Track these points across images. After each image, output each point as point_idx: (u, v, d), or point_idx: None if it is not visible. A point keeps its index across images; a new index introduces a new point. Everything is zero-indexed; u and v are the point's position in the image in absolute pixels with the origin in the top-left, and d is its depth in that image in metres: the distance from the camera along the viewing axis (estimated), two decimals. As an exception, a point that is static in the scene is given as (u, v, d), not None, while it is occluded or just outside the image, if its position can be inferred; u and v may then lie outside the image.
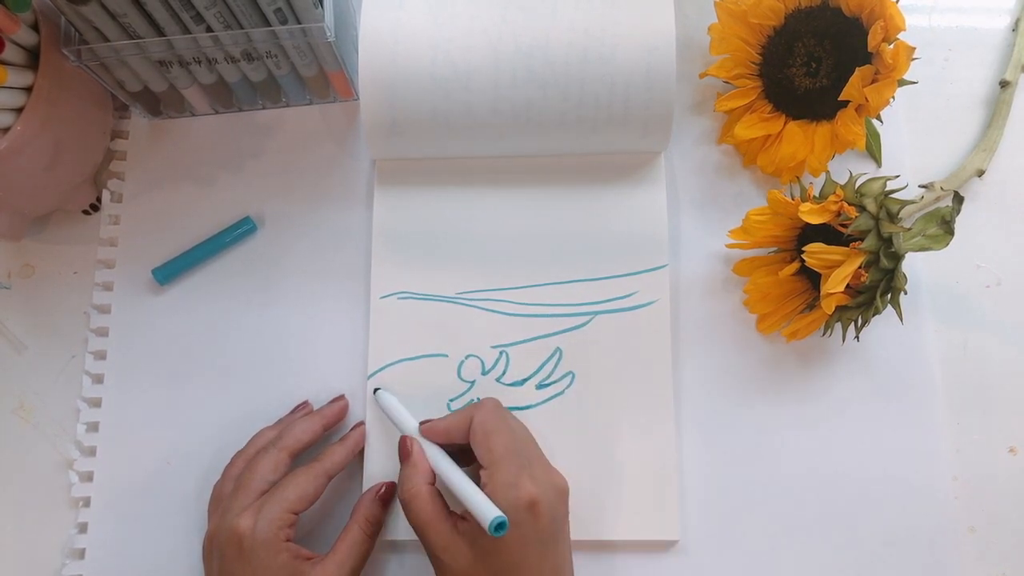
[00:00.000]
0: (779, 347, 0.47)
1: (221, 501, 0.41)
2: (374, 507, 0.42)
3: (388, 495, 0.43)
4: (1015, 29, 0.51)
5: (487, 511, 0.35)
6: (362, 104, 0.44)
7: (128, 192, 0.51)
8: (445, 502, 0.39)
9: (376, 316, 0.47)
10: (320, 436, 0.44)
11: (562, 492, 0.39)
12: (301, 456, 0.43)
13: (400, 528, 0.44)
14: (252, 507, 0.39)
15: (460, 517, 0.38)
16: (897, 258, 0.40)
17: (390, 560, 0.44)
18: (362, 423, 0.45)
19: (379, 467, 0.44)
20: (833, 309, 0.40)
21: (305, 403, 0.46)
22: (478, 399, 0.45)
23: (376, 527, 0.42)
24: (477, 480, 0.38)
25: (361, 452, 0.45)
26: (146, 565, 0.45)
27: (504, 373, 0.46)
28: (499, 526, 0.35)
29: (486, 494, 0.37)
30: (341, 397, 0.46)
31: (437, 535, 0.37)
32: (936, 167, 0.50)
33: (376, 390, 0.45)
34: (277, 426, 0.45)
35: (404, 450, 0.41)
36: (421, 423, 0.42)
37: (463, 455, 0.40)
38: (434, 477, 0.39)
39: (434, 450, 0.40)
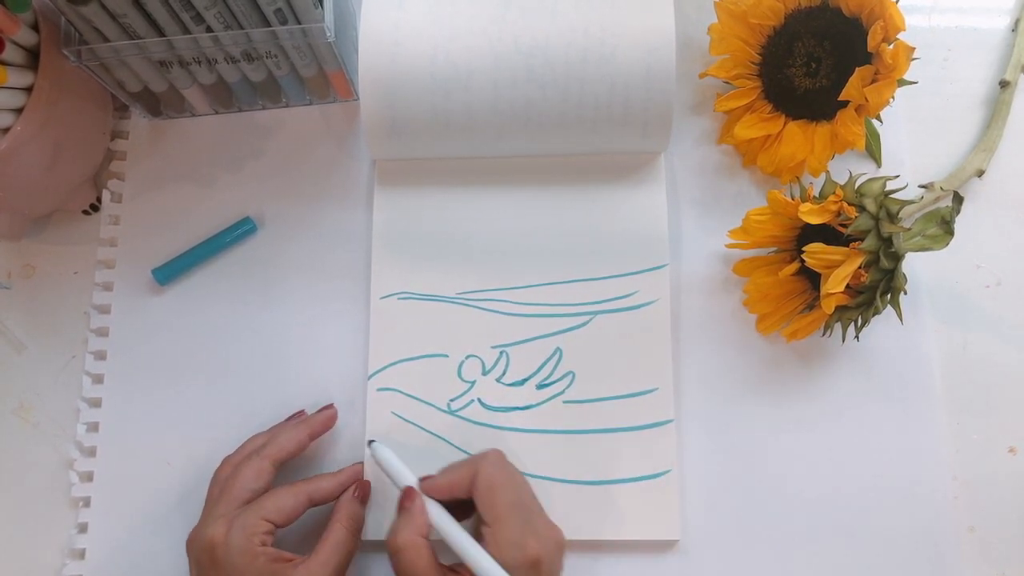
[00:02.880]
0: (779, 347, 0.47)
1: (208, 504, 0.41)
2: (354, 505, 0.42)
3: (363, 493, 0.43)
4: (1015, 29, 0.51)
5: (494, 574, 0.35)
6: (362, 104, 0.44)
7: (128, 192, 0.51)
8: (435, 555, 0.38)
9: (376, 316, 0.47)
10: (306, 445, 0.43)
11: (561, 547, 0.39)
12: (287, 465, 0.43)
13: (386, 528, 0.43)
14: (227, 516, 0.39)
15: (450, 569, 0.38)
16: (897, 258, 0.40)
17: (376, 560, 0.44)
18: (360, 464, 0.44)
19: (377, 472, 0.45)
20: (833, 309, 0.40)
21: (300, 412, 0.46)
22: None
23: (359, 524, 0.42)
24: (476, 533, 0.38)
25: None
26: (146, 565, 0.45)
27: (504, 373, 0.46)
28: None
29: (490, 552, 0.36)
30: (330, 406, 0.46)
31: None
32: (936, 167, 0.50)
33: (371, 442, 0.43)
34: (267, 433, 0.44)
35: (405, 500, 0.39)
36: (421, 479, 0.40)
37: (459, 508, 0.40)
38: (428, 530, 0.38)
39: (434, 506, 0.39)
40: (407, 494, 0.39)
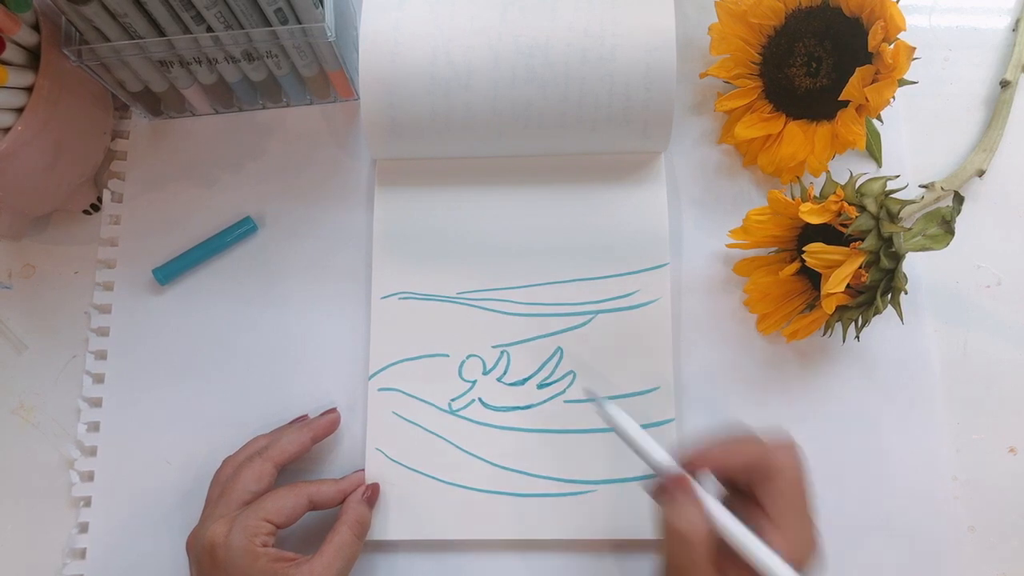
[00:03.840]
0: (779, 347, 0.47)
1: (208, 505, 0.41)
2: (361, 508, 0.42)
3: (372, 497, 0.43)
4: (1015, 29, 0.51)
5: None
6: (362, 104, 0.44)
7: (128, 192, 0.51)
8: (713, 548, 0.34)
9: (377, 316, 0.47)
10: (308, 448, 0.43)
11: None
12: (288, 467, 0.43)
13: (390, 529, 0.44)
14: (228, 517, 0.39)
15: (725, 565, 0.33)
16: (897, 258, 0.40)
17: (382, 561, 0.44)
18: (362, 471, 0.44)
19: (377, 472, 0.45)
20: (833, 309, 0.40)
21: (303, 417, 0.46)
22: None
23: (364, 528, 0.42)
24: (754, 525, 0.34)
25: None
26: (146, 565, 0.45)
27: (505, 373, 0.46)
28: None
29: (778, 551, 0.32)
30: (333, 410, 0.46)
31: None
32: (936, 167, 0.50)
33: (595, 399, 0.38)
34: (269, 435, 0.44)
35: (680, 484, 0.34)
36: (690, 451, 0.35)
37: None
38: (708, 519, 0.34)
39: (712, 502, 0.34)
40: (678, 479, 0.34)
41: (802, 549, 0.33)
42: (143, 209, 0.50)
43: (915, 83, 0.44)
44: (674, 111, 0.44)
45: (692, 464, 0.35)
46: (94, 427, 0.47)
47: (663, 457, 0.36)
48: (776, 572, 0.32)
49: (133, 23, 0.41)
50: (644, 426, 0.44)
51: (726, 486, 0.37)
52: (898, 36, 0.40)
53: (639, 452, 0.36)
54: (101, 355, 0.48)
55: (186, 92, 0.48)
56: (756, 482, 0.34)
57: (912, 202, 0.43)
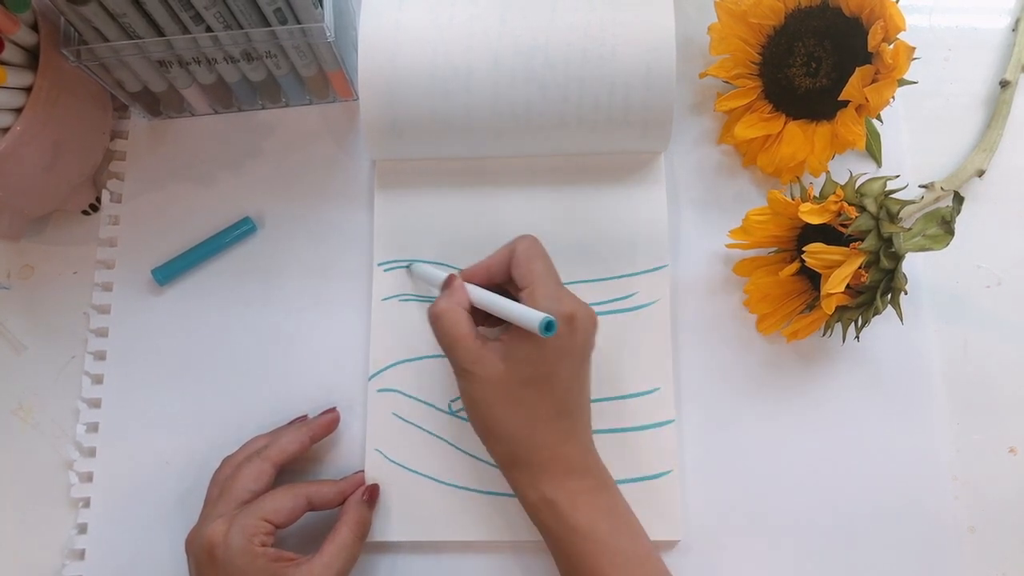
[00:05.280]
0: (779, 347, 0.47)
1: (207, 505, 0.41)
2: (362, 509, 0.42)
3: (372, 497, 0.43)
4: (1015, 29, 0.51)
5: (534, 314, 0.35)
6: (361, 104, 0.44)
7: (128, 192, 0.50)
8: (472, 322, 0.39)
9: (377, 318, 0.46)
10: (307, 447, 0.43)
11: (594, 320, 0.39)
12: (288, 467, 0.43)
13: (391, 530, 0.44)
14: (227, 516, 0.39)
15: (488, 339, 0.39)
16: (897, 258, 0.40)
17: (381, 562, 0.44)
18: (361, 473, 0.44)
19: (377, 473, 0.45)
20: (833, 309, 0.40)
21: (302, 417, 0.46)
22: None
23: (364, 528, 0.42)
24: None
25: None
26: (146, 565, 0.45)
27: (504, 373, 0.46)
28: (548, 326, 0.35)
29: (523, 302, 0.38)
30: (332, 410, 0.46)
31: (467, 349, 0.38)
32: (936, 167, 0.50)
33: (409, 265, 0.47)
34: (269, 435, 0.44)
35: (445, 284, 0.41)
36: (461, 271, 0.42)
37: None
38: (469, 303, 0.39)
39: (472, 287, 0.40)
40: (447, 279, 0.41)
41: (546, 302, 0.37)
42: (142, 209, 0.50)
43: (915, 83, 0.44)
44: (674, 111, 0.44)
45: (465, 278, 0.41)
46: (93, 428, 0.47)
47: (442, 275, 0.42)
48: (517, 312, 0.36)
49: (132, 23, 0.41)
50: (644, 427, 0.45)
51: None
52: (898, 36, 0.40)
53: (430, 282, 0.44)
54: (100, 356, 0.48)
55: (185, 92, 0.48)
56: (512, 268, 0.40)
57: (912, 202, 0.43)
